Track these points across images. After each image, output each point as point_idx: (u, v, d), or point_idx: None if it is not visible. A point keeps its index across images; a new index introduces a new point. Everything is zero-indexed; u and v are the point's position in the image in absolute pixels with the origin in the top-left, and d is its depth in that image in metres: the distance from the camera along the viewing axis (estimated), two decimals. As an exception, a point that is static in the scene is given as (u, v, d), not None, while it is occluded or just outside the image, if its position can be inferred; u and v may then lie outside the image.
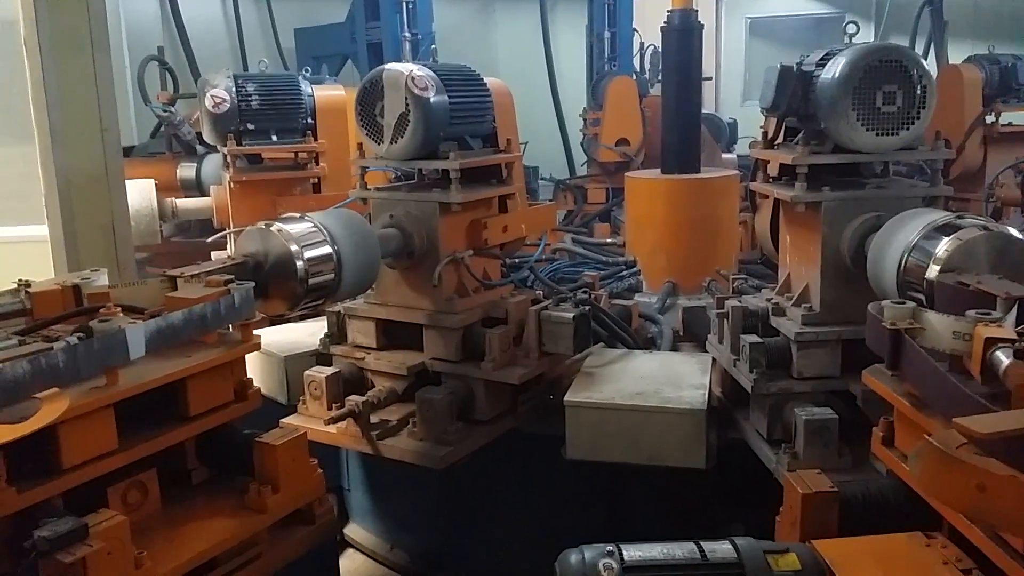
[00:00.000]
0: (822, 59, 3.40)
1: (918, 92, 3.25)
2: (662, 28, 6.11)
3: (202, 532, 2.54)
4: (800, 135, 3.49)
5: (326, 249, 3.25)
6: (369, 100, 3.77)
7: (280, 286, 3.19)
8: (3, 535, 2.16)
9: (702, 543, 1.95)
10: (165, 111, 6.92)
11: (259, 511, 2.66)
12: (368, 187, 3.99)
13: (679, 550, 1.93)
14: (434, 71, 3.73)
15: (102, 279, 2.91)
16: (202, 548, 2.47)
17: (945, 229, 2.77)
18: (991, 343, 1.95)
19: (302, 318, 4.57)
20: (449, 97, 3.73)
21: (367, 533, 4.74)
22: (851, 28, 3.68)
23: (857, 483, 2.44)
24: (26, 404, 2.10)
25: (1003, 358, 1.91)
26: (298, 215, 3.36)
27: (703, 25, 6.13)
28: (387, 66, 3.75)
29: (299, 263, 3.15)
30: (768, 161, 3.67)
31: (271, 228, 3.23)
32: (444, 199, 3.65)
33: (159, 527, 2.51)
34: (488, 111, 4.03)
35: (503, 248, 4.05)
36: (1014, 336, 1.97)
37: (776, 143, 3.69)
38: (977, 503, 1.59)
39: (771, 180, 3.66)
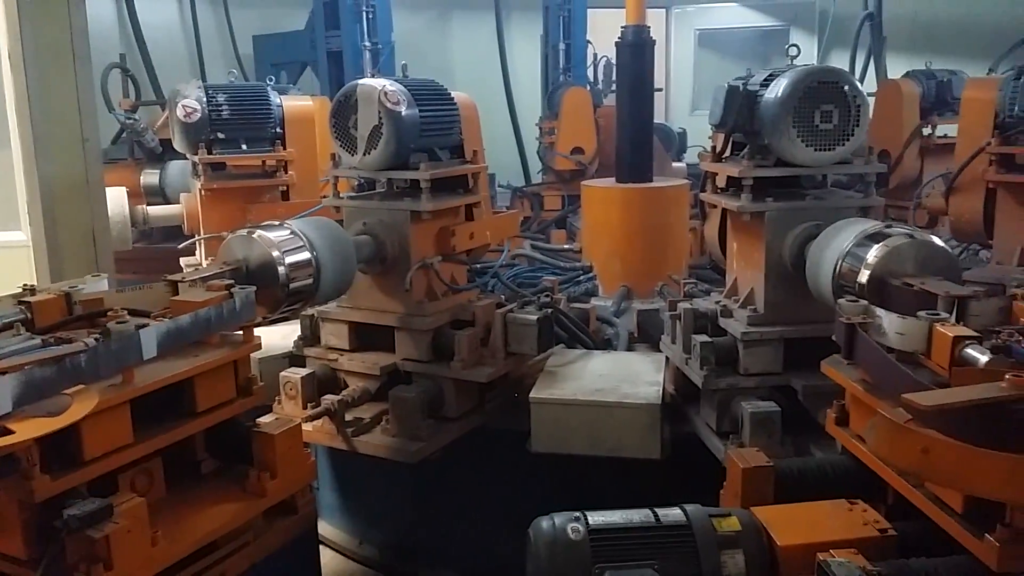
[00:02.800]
0: (765, 80, 3.68)
1: (853, 111, 3.54)
2: (616, 43, 6.38)
3: (207, 515, 2.73)
4: (745, 149, 3.77)
5: (305, 255, 3.44)
6: (343, 113, 3.96)
7: (262, 291, 3.34)
8: (32, 520, 2.34)
9: (656, 509, 2.23)
10: (129, 118, 6.99)
11: (259, 495, 2.86)
12: (341, 195, 4.18)
13: (636, 515, 2.22)
14: (405, 86, 3.94)
15: (101, 284, 3.06)
16: (209, 529, 2.67)
17: (875, 237, 3.06)
18: (959, 341, 2.22)
19: (273, 322, 4.74)
20: (419, 111, 3.93)
21: (336, 529, 4.91)
22: (792, 51, 3.97)
23: (791, 460, 2.75)
24: (55, 400, 2.26)
25: (977, 354, 2.17)
26: (277, 223, 3.55)
27: (655, 41, 6.42)
28: (361, 81, 3.95)
29: (280, 268, 3.34)
30: (716, 173, 3.94)
31: (253, 235, 3.41)
32: (415, 208, 3.86)
33: (166, 511, 2.69)
34: (456, 124, 4.24)
35: (470, 254, 4.27)
36: (976, 334, 2.25)
37: (724, 157, 3.97)
38: (922, 464, 1.90)
39: (719, 191, 3.93)
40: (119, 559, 2.30)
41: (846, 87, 3.54)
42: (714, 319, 3.83)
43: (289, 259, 3.38)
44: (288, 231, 3.48)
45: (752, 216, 3.62)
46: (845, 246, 3.10)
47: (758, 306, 3.64)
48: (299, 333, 4.26)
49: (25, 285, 2.88)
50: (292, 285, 3.39)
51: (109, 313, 2.62)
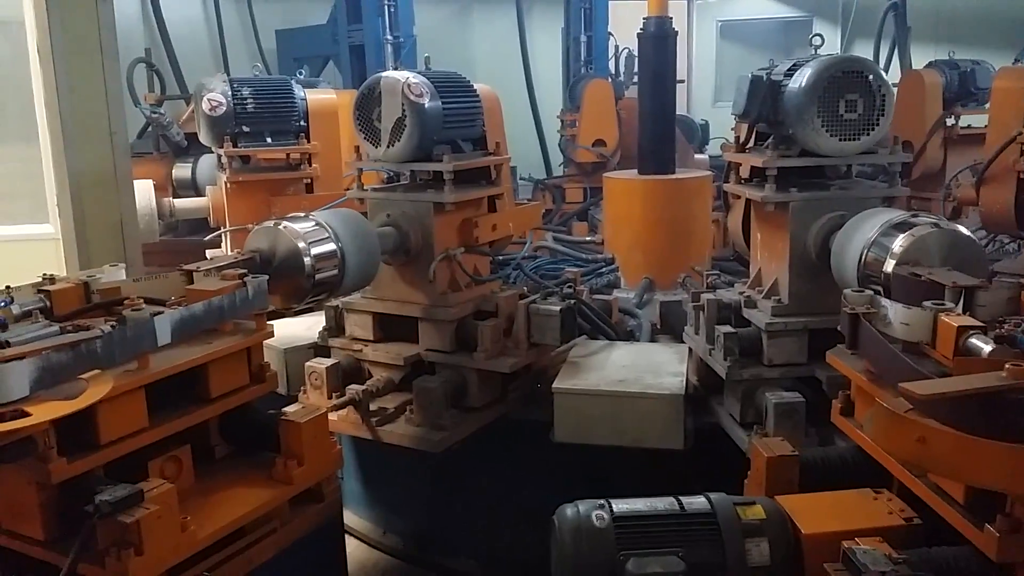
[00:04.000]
0: (790, 69, 3.66)
1: (877, 101, 3.52)
2: (638, 35, 6.37)
3: (235, 501, 2.78)
4: (769, 140, 3.76)
5: (331, 246, 3.46)
6: (367, 105, 3.98)
7: (288, 281, 3.40)
8: (49, 502, 2.41)
9: (680, 498, 2.24)
10: (154, 112, 7.07)
11: (286, 483, 2.91)
12: (364, 187, 4.21)
13: (661, 503, 2.23)
14: (428, 78, 3.95)
15: (119, 274, 3.12)
16: (237, 515, 2.71)
17: (901, 227, 3.04)
18: (963, 331, 2.21)
19: (297, 313, 4.78)
20: (443, 103, 3.94)
21: (359, 519, 4.94)
22: (816, 40, 3.95)
23: (815, 449, 2.75)
24: (72, 384, 2.32)
25: (981, 344, 2.16)
26: (302, 214, 3.58)
27: (677, 32, 6.40)
28: (384, 74, 3.97)
29: (307, 259, 3.37)
30: (740, 164, 3.92)
31: (279, 226, 3.44)
32: (438, 199, 3.87)
33: (194, 497, 2.75)
34: (478, 116, 4.25)
35: (492, 245, 4.28)
36: (981, 324, 2.24)
37: (747, 147, 3.95)
38: (919, 454, 1.88)
39: (743, 181, 3.91)
40: (149, 544, 2.35)
41: (871, 76, 3.52)
42: (737, 310, 3.83)
43: (315, 250, 3.40)
44: (313, 223, 3.50)
45: (776, 206, 3.61)
46: (871, 236, 3.09)
47: (782, 296, 3.63)
48: (324, 324, 4.29)
49: (45, 274, 2.94)
50: (317, 276, 3.41)
51: (126, 301, 2.68)
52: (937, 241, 2.93)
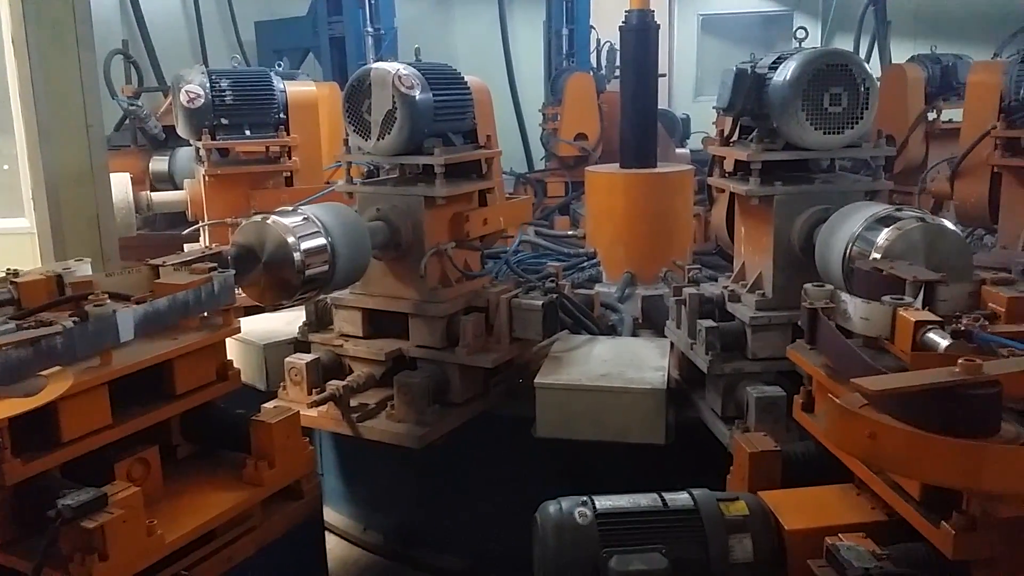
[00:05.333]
0: (774, 63, 3.65)
1: (862, 94, 3.52)
2: (620, 28, 6.34)
3: (204, 504, 2.72)
4: (754, 133, 3.75)
5: (320, 241, 3.39)
6: (356, 97, 3.91)
7: (277, 277, 3.32)
8: (7, 505, 2.36)
9: (663, 494, 2.23)
10: (132, 105, 6.98)
11: (256, 484, 2.85)
12: (353, 181, 4.15)
13: (644, 500, 2.21)
14: (419, 70, 3.89)
15: (85, 268, 3.06)
16: (206, 518, 2.66)
17: (886, 220, 3.03)
18: (920, 326, 2.18)
19: (276, 308, 4.73)
20: (433, 95, 3.89)
21: (340, 516, 4.91)
22: (800, 33, 3.94)
23: (797, 444, 2.74)
24: (31, 382, 2.27)
25: (938, 339, 2.14)
26: (291, 208, 3.50)
27: (659, 25, 6.38)
28: (374, 65, 3.91)
29: (296, 254, 3.28)
30: (724, 157, 3.91)
31: (267, 220, 3.36)
32: (429, 193, 3.82)
33: (162, 500, 2.69)
34: (469, 108, 4.20)
35: (483, 240, 4.24)
36: (938, 319, 2.22)
37: (731, 140, 3.94)
38: (870, 449, 1.86)
39: (727, 175, 3.90)
40: (115, 549, 2.30)
41: (855, 70, 3.51)
42: (720, 304, 3.82)
43: (304, 245, 3.32)
44: (303, 216, 3.42)
45: (760, 200, 3.59)
46: (855, 229, 3.08)
47: (766, 291, 3.63)
48: (304, 319, 4.23)
49: (8, 269, 2.89)
50: (308, 272, 3.32)
51: (90, 296, 2.63)
52: (922, 235, 2.92)
